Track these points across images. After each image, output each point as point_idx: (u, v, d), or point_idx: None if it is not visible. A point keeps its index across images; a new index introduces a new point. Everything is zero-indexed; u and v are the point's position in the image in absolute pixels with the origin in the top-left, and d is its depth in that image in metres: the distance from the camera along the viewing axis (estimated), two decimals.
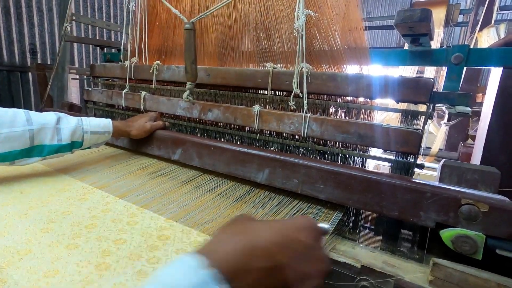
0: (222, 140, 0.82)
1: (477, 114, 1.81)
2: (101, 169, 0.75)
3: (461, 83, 0.62)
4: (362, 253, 0.51)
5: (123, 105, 1.03)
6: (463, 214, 0.44)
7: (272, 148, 0.74)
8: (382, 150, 0.65)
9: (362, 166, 0.64)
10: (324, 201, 0.57)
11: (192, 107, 0.85)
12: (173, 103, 0.89)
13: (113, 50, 1.27)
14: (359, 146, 0.63)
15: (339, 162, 0.66)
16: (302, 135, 0.67)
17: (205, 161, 0.72)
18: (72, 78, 1.59)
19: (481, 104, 1.91)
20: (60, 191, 0.60)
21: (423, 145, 1.40)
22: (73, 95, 1.59)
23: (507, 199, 0.43)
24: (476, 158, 0.91)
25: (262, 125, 0.73)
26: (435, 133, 2.20)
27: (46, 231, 0.45)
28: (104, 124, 0.75)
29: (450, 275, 0.41)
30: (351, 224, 0.60)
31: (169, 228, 0.49)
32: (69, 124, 0.68)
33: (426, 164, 1.62)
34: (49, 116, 0.66)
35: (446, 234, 0.44)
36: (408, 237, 0.53)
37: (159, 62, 0.95)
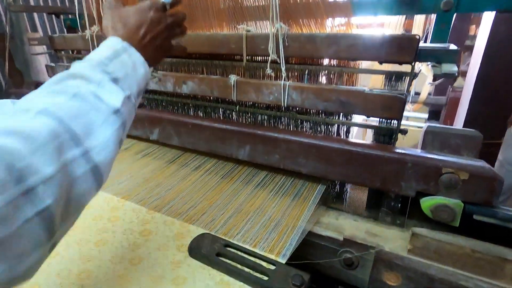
0: (201, 114, 0.79)
1: (470, 48, 1.74)
2: None
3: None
4: (346, 223, 0.52)
5: None
6: (443, 182, 0.43)
7: (252, 120, 0.71)
8: (365, 116, 0.63)
9: (346, 133, 0.62)
10: (307, 175, 0.57)
11: (165, 80, 0.79)
12: None
13: (70, 16, 1.13)
14: (341, 113, 0.60)
15: (322, 131, 0.63)
16: (283, 104, 0.63)
17: (184, 139, 0.69)
18: (33, 53, 1.41)
19: (474, 37, 1.82)
20: None
21: (412, 92, 1.36)
22: (44, 70, 1.45)
23: (486, 165, 0.42)
24: (464, 105, 0.89)
25: (240, 96, 0.68)
26: (427, 74, 2.14)
27: None
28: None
29: (427, 243, 0.42)
30: (335, 194, 0.60)
31: (151, 220, 0.48)
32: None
33: (414, 114, 1.60)
34: None
35: (426, 204, 0.44)
36: (390, 204, 0.53)
37: None
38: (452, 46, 0.58)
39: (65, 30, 1.21)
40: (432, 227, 0.45)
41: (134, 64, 0.36)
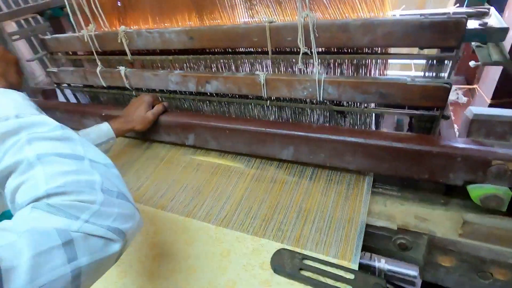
0: (229, 110, 0.78)
1: None
2: (124, 173, 0.74)
3: None
4: (394, 209, 0.57)
5: (104, 85, 0.91)
6: (492, 173, 0.47)
7: (286, 114, 0.71)
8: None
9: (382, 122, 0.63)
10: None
11: (186, 81, 0.76)
12: (162, 77, 0.79)
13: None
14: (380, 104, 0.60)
15: (359, 121, 0.64)
16: (318, 99, 0.62)
17: (222, 143, 0.71)
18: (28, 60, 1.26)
19: None
20: None
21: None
22: (35, 71, 1.34)
23: None
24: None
25: (270, 92, 0.67)
26: None
27: None
28: (105, 132, 0.69)
29: (477, 229, 0.47)
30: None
31: (223, 238, 0.53)
32: None
33: None
34: None
35: (475, 194, 0.48)
36: (435, 186, 0.57)
37: (124, 27, 0.78)
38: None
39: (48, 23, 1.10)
40: (479, 210, 0.50)
41: None
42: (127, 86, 0.86)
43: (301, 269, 0.45)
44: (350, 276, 0.43)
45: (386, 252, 0.56)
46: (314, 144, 0.60)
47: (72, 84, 1.03)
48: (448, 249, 0.48)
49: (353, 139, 0.55)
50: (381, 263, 0.88)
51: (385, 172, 0.56)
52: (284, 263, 0.47)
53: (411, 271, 0.89)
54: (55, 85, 1.05)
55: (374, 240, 0.55)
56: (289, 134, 0.61)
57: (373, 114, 0.63)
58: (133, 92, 0.89)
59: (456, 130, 0.68)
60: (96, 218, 0.31)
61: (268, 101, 0.70)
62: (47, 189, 0.31)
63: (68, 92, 1.08)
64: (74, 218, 0.30)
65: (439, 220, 0.53)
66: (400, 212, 0.56)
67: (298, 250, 0.49)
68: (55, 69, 0.98)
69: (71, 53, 0.97)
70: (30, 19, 1.03)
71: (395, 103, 0.57)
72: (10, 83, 0.45)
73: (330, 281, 0.43)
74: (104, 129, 0.70)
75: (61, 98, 1.10)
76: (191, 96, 0.81)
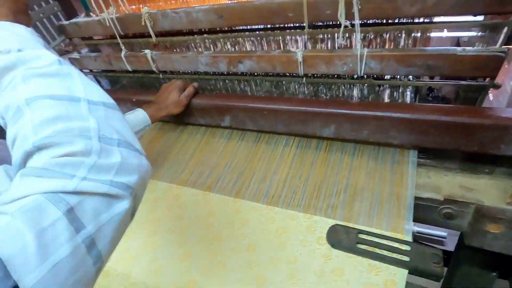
0: (263, 89, 0.77)
1: None
2: (164, 159, 0.77)
3: None
4: (438, 180, 0.59)
5: (130, 69, 0.90)
6: None
7: (323, 90, 0.70)
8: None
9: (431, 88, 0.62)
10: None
11: (217, 61, 0.75)
12: (191, 59, 0.78)
13: None
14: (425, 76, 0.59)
15: (401, 93, 0.63)
16: (358, 74, 0.61)
17: (260, 124, 0.71)
18: None
19: None
20: (154, 201, 0.67)
21: None
22: None
23: None
24: None
25: (307, 70, 0.66)
26: None
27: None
28: (142, 119, 0.70)
29: None
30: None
31: (276, 217, 0.57)
32: None
33: None
34: None
35: None
36: (479, 155, 0.58)
37: (147, 8, 0.75)
38: None
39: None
40: None
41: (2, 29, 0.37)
42: (154, 69, 0.85)
43: (357, 243, 0.48)
44: (406, 247, 0.46)
45: (430, 221, 0.59)
46: (357, 121, 0.60)
47: (94, 70, 1.02)
48: (496, 217, 0.50)
49: (399, 115, 0.55)
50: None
51: (430, 146, 0.57)
52: (341, 238, 0.50)
53: (441, 232, 0.94)
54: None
55: (419, 211, 0.57)
56: (331, 112, 0.61)
57: (411, 87, 0.62)
58: (160, 75, 0.88)
59: (491, 98, 0.67)
60: (94, 173, 0.27)
61: (304, 78, 0.69)
62: (34, 142, 0.27)
63: (90, 77, 1.07)
64: (68, 177, 0.26)
65: (485, 189, 0.55)
66: (445, 183, 0.58)
67: (350, 225, 0.51)
68: (77, 55, 0.97)
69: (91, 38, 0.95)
70: (42, 3, 0.99)
71: (442, 74, 0.56)
72: (18, 21, 0.39)
73: (387, 253, 0.47)
74: (140, 116, 0.71)
75: None
76: (221, 76, 0.80)
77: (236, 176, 0.66)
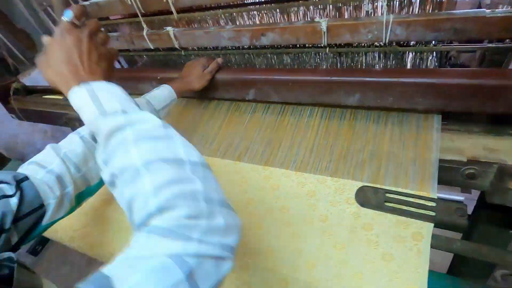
0: (284, 62, 0.79)
1: None
2: (192, 132, 0.81)
3: None
4: (462, 143, 0.61)
5: (152, 48, 0.92)
6: None
7: (345, 60, 0.72)
8: None
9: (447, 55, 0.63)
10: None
11: (240, 35, 0.76)
12: (213, 34, 0.79)
13: None
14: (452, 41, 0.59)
15: (423, 60, 0.64)
16: (384, 41, 0.62)
17: (284, 96, 0.73)
18: None
19: None
20: None
21: None
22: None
23: None
24: None
25: (331, 39, 0.67)
26: None
27: None
28: (168, 94, 0.72)
29: None
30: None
31: (305, 181, 0.60)
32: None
33: None
34: None
35: None
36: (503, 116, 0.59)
37: None
38: None
39: None
40: None
41: (103, 91, 0.40)
42: (177, 46, 0.87)
43: (385, 201, 0.52)
44: (432, 203, 0.50)
45: (453, 182, 0.62)
46: (382, 88, 0.61)
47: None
48: None
49: (425, 80, 0.57)
50: None
51: (455, 110, 0.58)
52: (369, 197, 0.53)
53: (458, 197, 0.97)
54: None
55: (442, 173, 0.60)
56: (356, 81, 0.63)
57: (435, 52, 0.63)
58: (182, 52, 0.90)
59: None
60: (208, 235, 0.29)
61: (328, 48, 0.70)
62: (156, 204, 0.30)
63: None
64: (188, 240, 0.28)
65: (508, 150, 0.56)
66: (468, 145, 0.60)
67: (378, 186, 0.55)
68: None
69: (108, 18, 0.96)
70: None
71: (469, 38, 0.56)
72: (108, 77, 0.44)
73: (413, 210, 0.50)
74: (166, 91, 0.73)
75: None
76: (243, 50, 0.82)
77: (264, 146, 0.70)
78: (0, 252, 0.39)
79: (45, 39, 0.44)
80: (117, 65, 1.12)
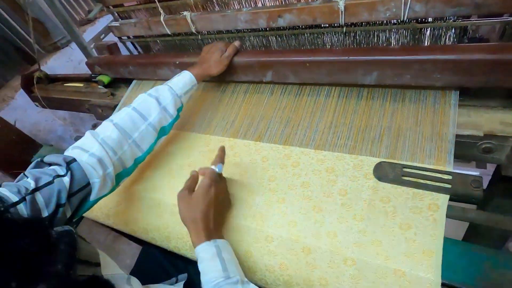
0: (300, 43, 0.79)
1: None
2: (213, 115, 0.84)
3: None
4: (479, 118, 0.62)
5: (169, 33, 0.94)
6: None
7: (362, 39, 0.72)
8: None
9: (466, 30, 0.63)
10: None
11: (257, 17, 0.77)
12: (230, 18, 0.80)
13: None
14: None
15: (441, 36, 0.64)
16: (402, 19, 0.62)
17: (302, 76, 0.75)
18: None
19: None
20: (209, 152, 0.75)
21: None
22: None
23: None
24: None
25: (349, 19, 0.67)
26: None
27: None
28: (188, 79, 0.74)
29: None
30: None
31: (324, 159, 0.63)
32: (167, 98, 0.68)
33: None
34: (151, 102, 0.66)
35: None
36: None
37: None
38: None
39: None
40: None
41: (225, 251, 0.51)
42: (194, 31, 0.89)
43: (402, 176, 0.55)
44: (448, 176, 0.52)
45: (469, 156, 0.64)
46: (399, 66, 0.62)
47: (132, 36, 1.07)
48: None
49: (444, 57, 0.57)
50: None
51: (474, 85, 0.59)
52: (387, 172, 0.56)
53: (474, 172, 0.98)
54: (118, 38, 1.09)
55: (459, 148, 0.62)
56: (373, 60, 0.64)
57: (453, 30, 0.63)
58: (199, 36, 0.92)
59: None
60: None
61: (344, 28, 0.71)
62: None
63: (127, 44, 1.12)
64: None
65: None
66: (485, 120, 0.61)
67: (395, 161, 0.57)
68: (117, 23, 1.01)
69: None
70: None
71: (490, 12, 0.56)
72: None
73: (430, 182, 0.53)
74: (187, 77, 0.76)
75: (123, 51, 1.16)
76: (260, 32, 0.83)
77: (283, 126, 0.73)
78: (59, 224, 0.44)
79: (194, 173, 0.59)
80: (134, 51, 1.14)
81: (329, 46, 0.78)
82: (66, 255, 0.34)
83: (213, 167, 0.59)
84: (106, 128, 0.60)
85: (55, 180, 0.47)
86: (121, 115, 0.63)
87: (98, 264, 0.44)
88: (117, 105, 1.05)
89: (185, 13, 0.86)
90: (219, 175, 0.59)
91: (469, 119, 0.63)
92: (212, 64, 0.78)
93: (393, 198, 0.54)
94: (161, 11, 0.90)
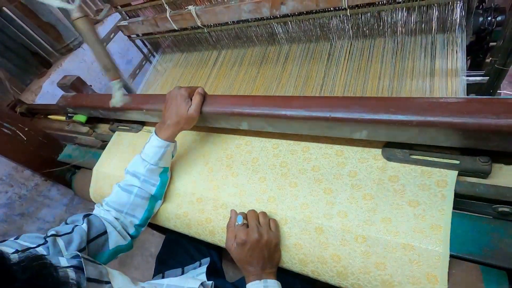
0: (305, 30, 0.80)
1: None
2: None
3: None
4: None
5: (176, 28, 0.97)
6: None
7: (367, 20, 0.72)
8: None
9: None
10: None
11: (260, 6, 0.78)
12: (234, 9, 0.82)
13: None
14: None
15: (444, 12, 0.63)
16: None
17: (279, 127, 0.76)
18: None
19: None
20: (224, 142, 0.78)
21: None
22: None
23: None
24: None
25: (352, 1, 0.67)
26: None
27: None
28: (160, 145, 0.68)
29: None
30: None
31: (333, 143, 0.65)
32: (141, 172, 0.69)
33: None
34: (131, 179, 0.70)
35: None
36: None
37: None
38: None
39: None
40: None
41: None
42: (199, 24, 0.91)
43: (411, 154, 0.56)
44: (456, 152, 0.53)
45: None
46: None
47: (140, 34, 1.10)
48: None
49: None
50: None
51: None
52: (395, 151, 0.57)
53: None
54: (127, 37, 1.12)
55: None
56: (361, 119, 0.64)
57: (461, 2, 0.62)
58: (205, 29, 0.94)
59: None
60: None
61: (348, 10, 0.71)
62: None
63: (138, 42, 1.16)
64: None
65: None
66: None
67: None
68: (125, 22, 1.04)
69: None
70: None
71: None
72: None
73: (438, 160, 0.54)
74: (156, 143, 0.68)
75: (133, 51, 1.19)
76: (264, 21, 0.84)
77: None
78: None
79: (240, 221, 0.60)
80: (143, 48, 1.17)
81: (333, 33, 0.78)
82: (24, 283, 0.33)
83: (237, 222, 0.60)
84: (99, 211, 0.69)
85: (74, 229, 0.57)
86: (111, 195, 0.70)
87: (108, 282, 0.46)
88: (105, 142, 0.97)
89: (189, 7, 0.87)
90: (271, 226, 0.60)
91: None
92: (180, 120, 0.66)
93: (402, 177, 0.56)
94: (167, 7, 0.92)
